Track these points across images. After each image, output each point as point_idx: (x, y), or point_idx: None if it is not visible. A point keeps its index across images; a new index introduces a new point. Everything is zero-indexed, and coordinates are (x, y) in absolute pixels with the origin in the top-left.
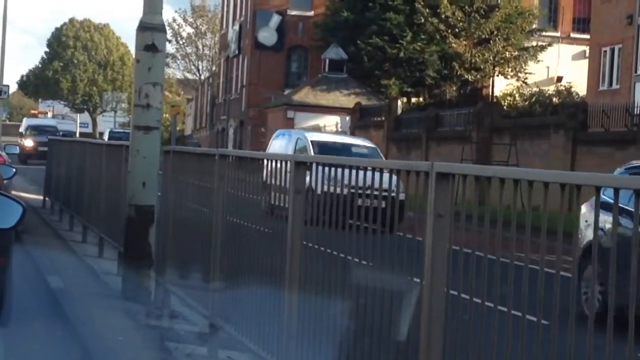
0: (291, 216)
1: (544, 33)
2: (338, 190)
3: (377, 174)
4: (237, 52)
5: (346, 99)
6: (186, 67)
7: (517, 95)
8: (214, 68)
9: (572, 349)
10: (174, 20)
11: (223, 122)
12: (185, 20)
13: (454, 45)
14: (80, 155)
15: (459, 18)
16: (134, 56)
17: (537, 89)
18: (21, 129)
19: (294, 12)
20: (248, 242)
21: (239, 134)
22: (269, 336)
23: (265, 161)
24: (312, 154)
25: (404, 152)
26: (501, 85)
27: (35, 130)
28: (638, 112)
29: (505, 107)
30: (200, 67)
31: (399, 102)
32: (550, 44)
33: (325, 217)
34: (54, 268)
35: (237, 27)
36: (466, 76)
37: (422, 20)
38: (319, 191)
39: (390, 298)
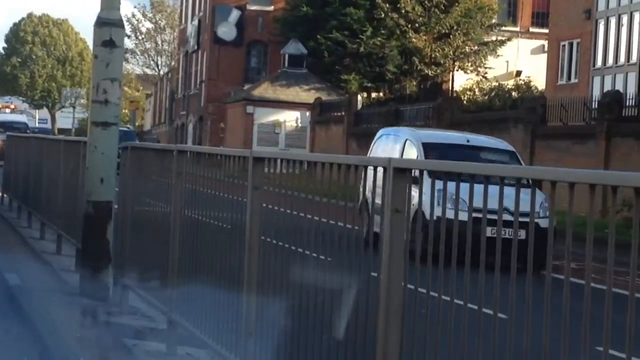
0: (249, 210)
1: (503, 28)
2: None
3: (509, 190)
4: (196, 47)
5: (306, 94)
6: (145, 63)
7: (476, 89)
8: (173, 63)
9: (529, 341)
10: (133, 16)
11: (182, 118)
12: (144, 15)
13: (414, 40)
14: (38, 151)
15: (418, 13)
16: (92, 52)
17: (497, 84)
18: None
19: (253, 7)
20: (207, 238)
21: (199, 129)
22: (227, 332)
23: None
24: (422, 158)
25: (364, 148)
26: (461, 80)
27: (2, 127)
28: (596, 106)
29: (465, 102)
30: (159, 63)
31: (359, 97)
32: (509, 39)
33: (438, 251)
34: (12, 265)
35: (196, 22)
36: (426, 71)
37: (382, 15)
38: (429, 214)
39: (347, 293)
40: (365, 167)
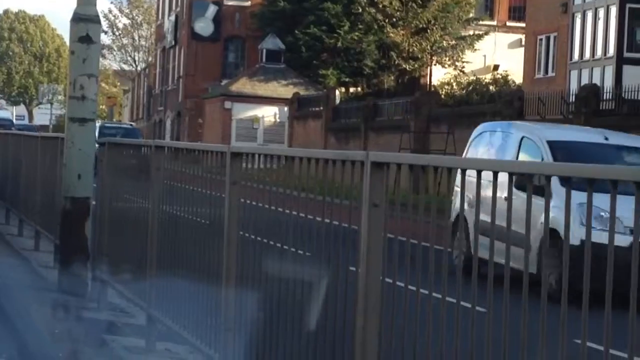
0: (227, 205)
1: (480, 22)
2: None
3: None
4: (173, 42)
5: (284, 89)
6: (122, 58)
7: (454, 84)
8: (150, 59)
9: (506, 334)
10: (110, 11)
11: (160, 113)
12: (121, 11)
13: (391, 34)
14: (15, 147)
15: (396, 7)
16: (69, 48)
17: (474, 78)
18: None
19: (230, 3)
20: (185, 233)
21: (177, 125)
22: (206, 328)
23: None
24: (550, 161)
25: (342, 142)
26: (439, 75)
27: None
28: (573, 100)
29: (442, 96)
30: (136, 58)
31: (337, 92)
32: (486, 33)
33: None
34: None
35: (173, 18)
36: (404, 66)
37: (360, 10)
38: (575, 239)
39: (326, 287)
40: (343, 162)
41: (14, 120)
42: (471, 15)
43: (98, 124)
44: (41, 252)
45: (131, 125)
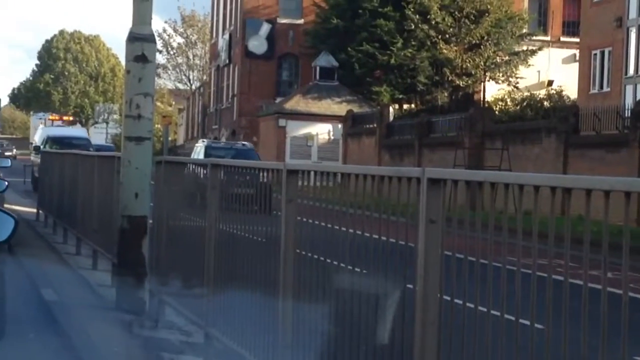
0: (284, 223)
1: (534, 37)
2: None
3: None
4: (227, 61)
5: (338, 106)
6: (177, 77)
7: (508, 99)
8: (204, 78)
9: (567, 352)
10: (164, 31)
11: (215, 132)
12: (175, 30)
13: (444, 51)
14: (73, 167)
15: (449, 24)
16: (124, 67)
17: (528, 93)
18: (35, 139)
19: (283, 20)
20: (242, 251)
21: None
22: (264, 346)
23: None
24: None
25: (396, 159)
26: (492, 90)
27: (59, 144)
28: (629, 114)
29: (496, 112)
30: (191, 77)
31: (391, 109)
32: (540, 48)
33: None
34: (48, 281)
35: (227, 36)
36: (457, 82)
37: (413, 27)
38: None
39: (385, 304)
40: (399, 179)
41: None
42: (524, 30)
43: (203, 143)
44: (99, 271)
45: (244, 144)
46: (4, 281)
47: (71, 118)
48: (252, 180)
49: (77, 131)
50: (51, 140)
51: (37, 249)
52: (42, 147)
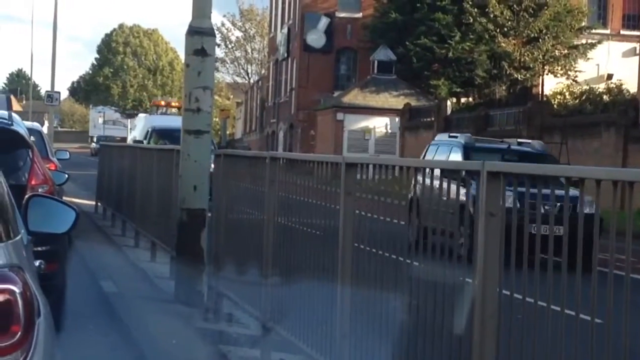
0: (342, 216)
1: (593, 31)
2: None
3: None
4: (286, 55)
5: (395, 100)
6: (235, 71)
7: (567, 93)
8: (263, 71)
9: (627, 347)
10: (223, 25)
11: (273, 125)
12: (233, 24)
13: (502, 44)
14: (131, 160)
15: (507, 17)
16: (183, 61)
17: (587, 87)
18: (136, 134)
19: (342, 14)
20: (300, 244)
21: (289, 136)
22: (321, 337)
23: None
24: None
25: None
26: (551, 84)
27: (168, 138)
28: None
29: (555, 106)
30: (249, 71)
31: (449, 103)
32: (599, 42)
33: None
34: (108, 273)
35: (285, 30)
36: (515, 75)
37: (471, 20)
38: None
39: (443, 297)
40: (459, 172)
41: (129, 133)
42: (584, 24)
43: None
44: (157, 263)
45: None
46: (64, 273)
47: (178, 104)
48: (312, 173)
49: (176, 120)
50: (157, 134)
51: (96, 242)
52: (145, 142)
